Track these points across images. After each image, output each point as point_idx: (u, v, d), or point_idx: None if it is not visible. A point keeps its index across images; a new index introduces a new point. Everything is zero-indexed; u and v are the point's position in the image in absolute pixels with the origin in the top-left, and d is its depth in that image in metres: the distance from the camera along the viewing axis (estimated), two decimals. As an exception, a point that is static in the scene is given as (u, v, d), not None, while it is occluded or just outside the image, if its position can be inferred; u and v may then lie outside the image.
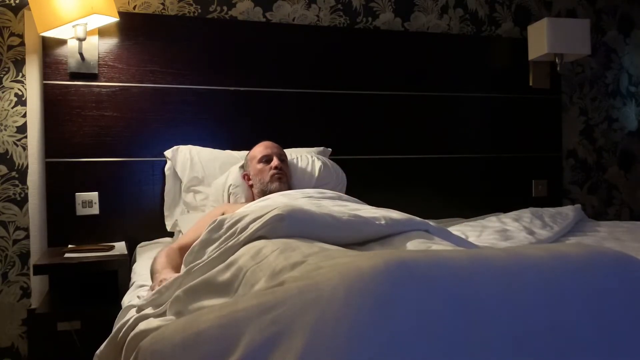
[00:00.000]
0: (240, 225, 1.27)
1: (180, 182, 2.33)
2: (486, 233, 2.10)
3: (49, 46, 2.25)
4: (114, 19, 2.19)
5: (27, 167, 2.30)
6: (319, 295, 0.80)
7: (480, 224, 2.27)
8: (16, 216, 2.30)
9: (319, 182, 2.22)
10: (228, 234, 1.28)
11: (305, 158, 2.29)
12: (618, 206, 3.37)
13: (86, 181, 2.30)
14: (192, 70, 2.45)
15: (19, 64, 2.30)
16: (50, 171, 2.26)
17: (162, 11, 2.50)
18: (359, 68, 2.72)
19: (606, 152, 3.34)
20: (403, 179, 2.78)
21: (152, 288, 1.44)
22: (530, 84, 3.03)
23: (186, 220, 2.14)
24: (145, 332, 1.12)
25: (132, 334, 1.19)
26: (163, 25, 2.44)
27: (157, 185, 2.39)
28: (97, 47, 2.31)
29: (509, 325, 0.79)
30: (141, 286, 1.65)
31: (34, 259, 2.26)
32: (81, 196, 2.29)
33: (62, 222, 2.27)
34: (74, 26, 2.16)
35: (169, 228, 2.33)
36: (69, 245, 2.19)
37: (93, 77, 2.31)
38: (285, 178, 2.04)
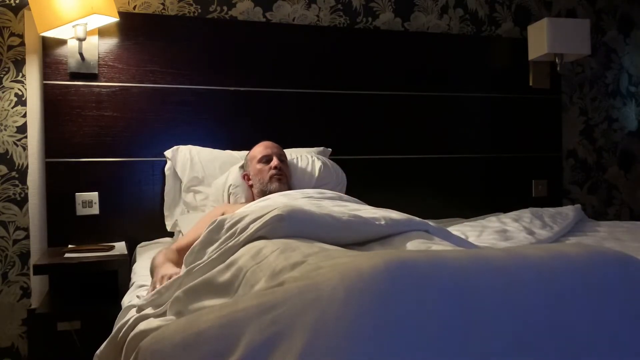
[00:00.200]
0: (240, 225, 1.27)
1: (180, 182, 2.33)
2: (486, 233, 2.10)
3: (49, 46, 2.25)
4: (114, 19, 2.19)
5: (27, 167, 2.30)
6: (319, 295, 0.80)
7: (480, 224, 2.27)
8: (16, 216, 2.30)
9: (319, 182, 2.22)
10: (228, 234, 1.28)
11: (305, 158, 2.29)
12: (618, 206, 3.37)
13: (86, 181, 2.30)
14: (192, 70, 2.45)
15: (19, 64, 2.30)
16: (50, 171, 2.26)
17: (162, 11, 2.50)
18: (359, 68, 2.72)
19: (606, 152, 3.34)
20: (403, 179, 2.78)
21: (153, 284, 1.44)
22: (530, 84, 3.03)
23: (186, 220, 2.14)
24: (146, 332, 1.13)
25: (132, 334, 1.19)
26: (163, 25, 2.44)
27: (157, 185, 2.39)
28: (97, 47, 2.31)
29: (508, 325, 0.79)
30: (141, 286, 1.65)
31: (34, 259, 2.26)
32: (81, 196, 2.29)
33: (62, 222, 2.27)
34: (74, 26, 2.16)
35: (169, 228, 2.33)
36: (69, 245, 2.19)
37: (93, 77, 2.31)
38: (285, 178, 2.04)
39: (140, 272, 1.81)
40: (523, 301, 0.82)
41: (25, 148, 2.30)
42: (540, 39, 2.82)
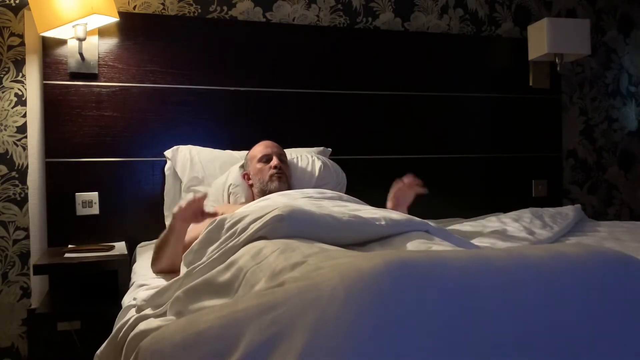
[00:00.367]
0: (240, 225, 1.27)
1: (180, 182, 2.32)
2: (486, 233, 2.10)
3: (49, 46, 2.25)
4: (114, 19, 2.19)
5: (27, 167, 2.30)
6: (319, 295, 0.80)
7: (480, 224, 2.28)
8: (16, 216, 2.30)
9: (319, 182, 2.22)
10: (228, 234, 1.28)
11: (305, 158, 2.29)
12: (618, 206, 3.37)
13: (86, 181, 2.30)
14: (192, 70, 2.45)
15: (19, 64, 2.30)
16: (50, 171, 2.26)
17: (162, 11, 2.50)
18: (359, 68, 2.72)
19: (606, 152, 3.34)
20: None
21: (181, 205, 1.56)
22: (530, 84, 3.03)
23: (186, 220, 2.13)
24: (146, 332, 1.13)
25: (132, 334, 1.19)
26: (163, 25, 2.44)
27: (157, 185, 2.39)
28: (97, 47, 2.31)
29: (509, 325, 0.79)
30: (141, 286, 1.65)
31: (34, 259, 2.26)
32: (81, 196, 2.29)
33: (62, 222, 2.27)
34: (74, 26, 2.16)
35: (169, 228, 2.33)
36: (69, 245, 2.19)
37: (93, 77, 2.31)
38: (284, 178, 2.04)
39: (140, 272, 1.81)
40: (523, 301, 0.82)
41: (25, 148, 2.30)
42: (540, 39, 2.82)
